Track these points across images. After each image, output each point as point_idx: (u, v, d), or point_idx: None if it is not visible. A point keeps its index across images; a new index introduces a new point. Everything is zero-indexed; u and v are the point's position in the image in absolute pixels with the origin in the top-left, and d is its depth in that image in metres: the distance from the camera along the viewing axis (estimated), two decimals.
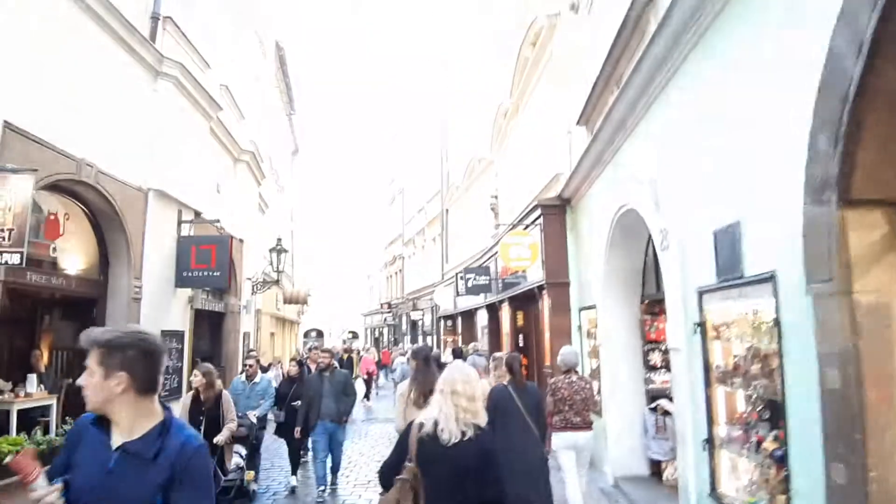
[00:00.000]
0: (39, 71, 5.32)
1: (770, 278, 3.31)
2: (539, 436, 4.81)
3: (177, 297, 8.27)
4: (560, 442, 5.35)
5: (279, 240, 12.97)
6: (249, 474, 6.65)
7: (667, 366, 6.74)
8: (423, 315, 24.69)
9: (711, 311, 4.14)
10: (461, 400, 2.63)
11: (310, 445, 7.16)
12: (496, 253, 12.80)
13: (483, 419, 2.70)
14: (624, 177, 5.95)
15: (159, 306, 7.74)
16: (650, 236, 6.44)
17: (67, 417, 5.96)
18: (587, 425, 5.42)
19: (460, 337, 18.81)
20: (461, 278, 13.67)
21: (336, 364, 7.57)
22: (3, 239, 4.05)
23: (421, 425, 2.66)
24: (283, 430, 7.70)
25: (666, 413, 6.42)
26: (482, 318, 16.06)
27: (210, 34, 9.71)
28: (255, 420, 6.86)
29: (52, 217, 6.00)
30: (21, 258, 4.06)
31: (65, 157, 5.63)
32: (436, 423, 2.62)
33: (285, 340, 21.93)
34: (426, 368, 4.59)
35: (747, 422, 3.98)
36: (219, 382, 5.80)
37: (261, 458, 7.74)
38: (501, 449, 3.07)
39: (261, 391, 7.30)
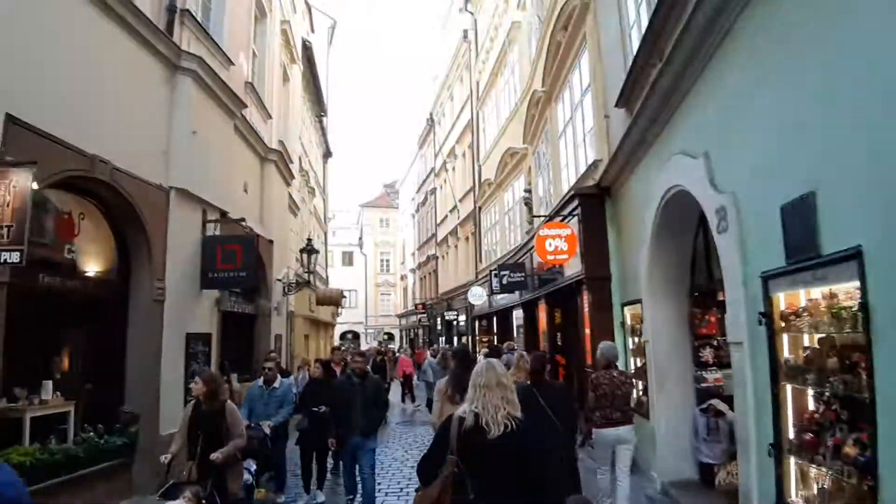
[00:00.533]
0: (46, 63, 5.12)
1: (855, 255, 2.79)
2: (566, 433, 4.78)
3: (203, 298, 8.08)
4: (601, 438, 5.33)
5: (309, 240, 12.78)
6: (260, 492, 6.08)
7: (719, 363, 6.20)
8: (457, 315, 24.29)
9: (779, 298, 3.61)
10: (507, 392, 2.69)
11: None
12: (532, 248, 12.31)
13: (519, 412, 2.73)
14: (671, 155, 5.41)
15: (184, 308, 7.54)
16: (700, 222, 5.90)
17: (86, 425, 5.77)
18: (628, 420, 5.39)
19: (495, 337, 18.34)
20: (495, 276, 13.21)
21: (369, 370, 7.07)
22: (2, 237, 3.82)
23: (461, 419, 2.67)
24: (305, 439, 7.01)
25: (718, 413, 5.89)
26: (518, 317, 15.56)
27: (233, 31, 9.52)
28: (268, 430, 6.21)
29: (65, 216, 5.81)
30: (21, 257, 3.82)
31: (76, 152, 5.43)
32: (477, 417, 2.63)
33: (320, 343, 21.81)
34: (463, 366, 4.59)
35: (820, 423, 3.47)
36: (226, 390, 5.15)
37: (286, 473, 7.24)
38: None
39: (279, 397, 6.71)
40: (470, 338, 21.92)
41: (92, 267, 6.41)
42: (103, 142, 5.89)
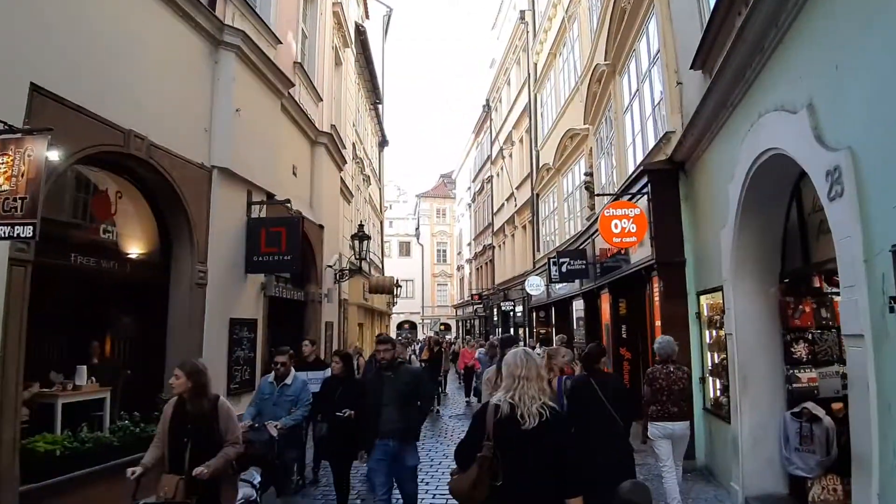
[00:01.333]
0: (78, 33, 4.85)
1: None
2: (623, 426, 4.73)
3: (248, 283, 7.82)
4: (657, 431, 5.32)
5: (361, 226, 12.48)
6: None
7: (814, 359, 5.36)
8: (514, 306, 23.63)
9: None
10: (543, 384, 2.77)
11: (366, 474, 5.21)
12: (594, 233, 11.53)
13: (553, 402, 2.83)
14: (761, 115, 4.62)
15: (228, 293, 7.29)
16: (793, 194, 5.07)
17: (123, 413, 5.54)
18: (684, 415, 5.38)
19: (553, 328, 17.59)
20: (553, 264, 12.52)
21: (405, 358, 6.48)
22: (16, 210, 3.52)
23: (497, 407, 2.72)
24: (325, 449, 5.95)
25: (813, 419, 5.09)
26: (578, 308, 14.77)
27: (281, 10, 9.21)
28: (274, 433, 5.32)
29: (100, 194, 5.58)
30: (34, 231, 3.51)
31: (109, 126, 5.15)
32: (512, 406, 2.67)
33: (374, 332, 21.69)
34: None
35: None
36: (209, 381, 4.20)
37: (303, 481, 6.60)
38: (579, 438, 3.73)
39: (292, 396, 5.73)
40: (527, 329, 21.26)
41: (131, 248, 6.20)
42: (140, 117, 5.63)
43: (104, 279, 5.82)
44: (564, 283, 14.34)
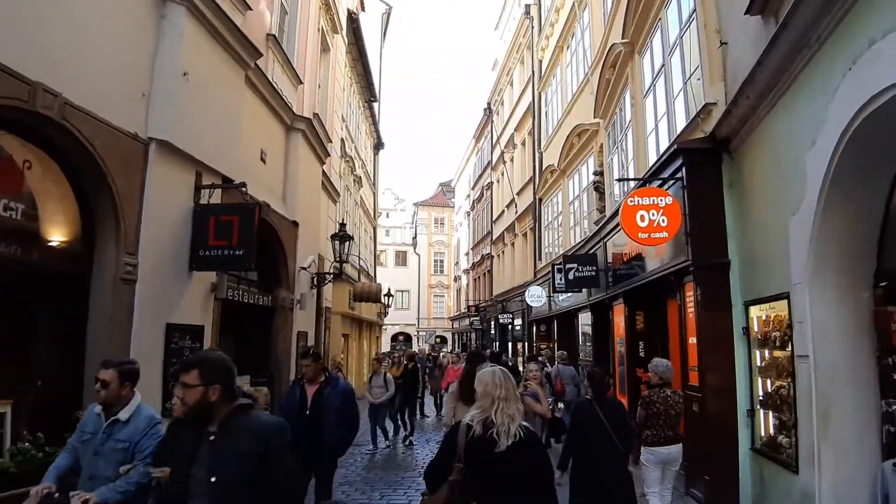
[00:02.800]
0: None
1: None
2: (624, 451, 4.72)
3: (193, 282, 6.42)
4: (651, 457, 5.10)
5: (342, 224, 11.10)
6: None
7: None
8: (512, 318, 22.23)
9: None
10: (519, 404, 2.72)
11: None
12: (606, 235, 10.18)
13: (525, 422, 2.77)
14: (878, 40, 3.24)
15: (165, 292, 5.93)
16: None
17: (26, 432, 4.31)
18: (678, 438, 5.19)
19: (555, 344, 16.14)
20: (558, 271, 11.15)
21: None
22: None
23: (469, 427, 2.62)
24: None
25: None
26: (584, 322, 13.37)
27: None
28: None
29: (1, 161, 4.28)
30: None
31: (9, 75, 3.88)
32: (485, 426, 2.59)
33: (362, 345, 20.19)
34: (475, 366, 4.53)
35: None
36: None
37: None
38: (580, 463, 4.57)
39: (125, 442, 3.27)
40: (526, 344, 19.85)
41: (43, 231, 4.89)
42: (56, 70, 4.39)
43: (5, 267, 4.52)
44: (570, 294, 12.99)
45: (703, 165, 5.89)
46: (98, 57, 5.01)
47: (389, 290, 22.11)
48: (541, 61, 19.07)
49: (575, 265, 10.19)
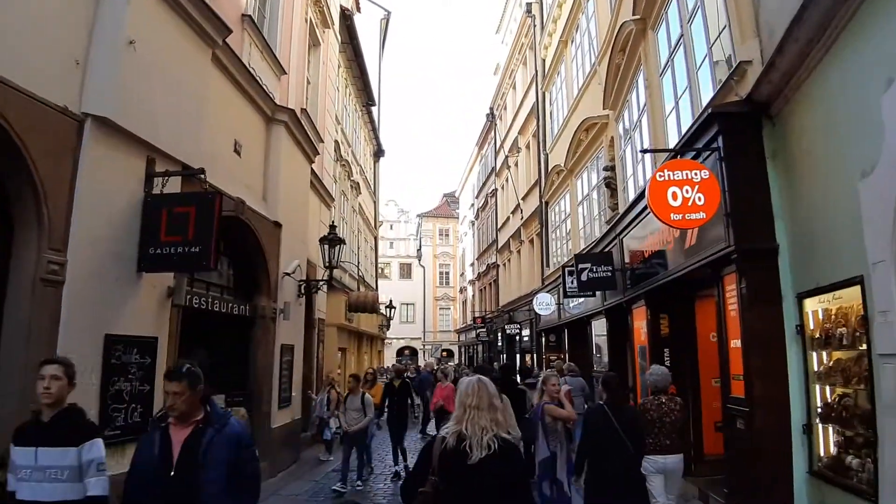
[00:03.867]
0: None
1: None
2: (637, 456, 4.65)
3: (143, 286, 5.50)
4: (650, 466, 4.85)
5: (332, 226, 10.18)
6: None
7: None
8: (520, 329, 21.19)
9: None
10: (496, 414, 2.59)
11: None
12: (622, 232, 9.21)
13: (512, 432, 2.84)
14: None
15: (105, 298, 5.02)
16: None
17: None
18: (677, 448, 4.90)
19: (566, 355, 15.10)
20: (570, 273, 10.18)
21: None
22: None
23: (443, 439, 2.58)
24: None
25: None
26: (598, 330, 12.35)
27: None
28: None
29: None
30: None
31: None
32: (458, 438, 2.53)
33: (362, 360, 19.17)
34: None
35: None
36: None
37: None
38: (594, 468, 4.61)
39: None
40: (535, 355, 18.79)
41: None
42: None
43: None
44: (581, 299, 12.00)
45: (742, 134, 4.92)
46: (16, 11, 4.19)
47: (391, 301, 21.11)
48: (544, 60, 18.32)
49: (588, 265, 9.20)
